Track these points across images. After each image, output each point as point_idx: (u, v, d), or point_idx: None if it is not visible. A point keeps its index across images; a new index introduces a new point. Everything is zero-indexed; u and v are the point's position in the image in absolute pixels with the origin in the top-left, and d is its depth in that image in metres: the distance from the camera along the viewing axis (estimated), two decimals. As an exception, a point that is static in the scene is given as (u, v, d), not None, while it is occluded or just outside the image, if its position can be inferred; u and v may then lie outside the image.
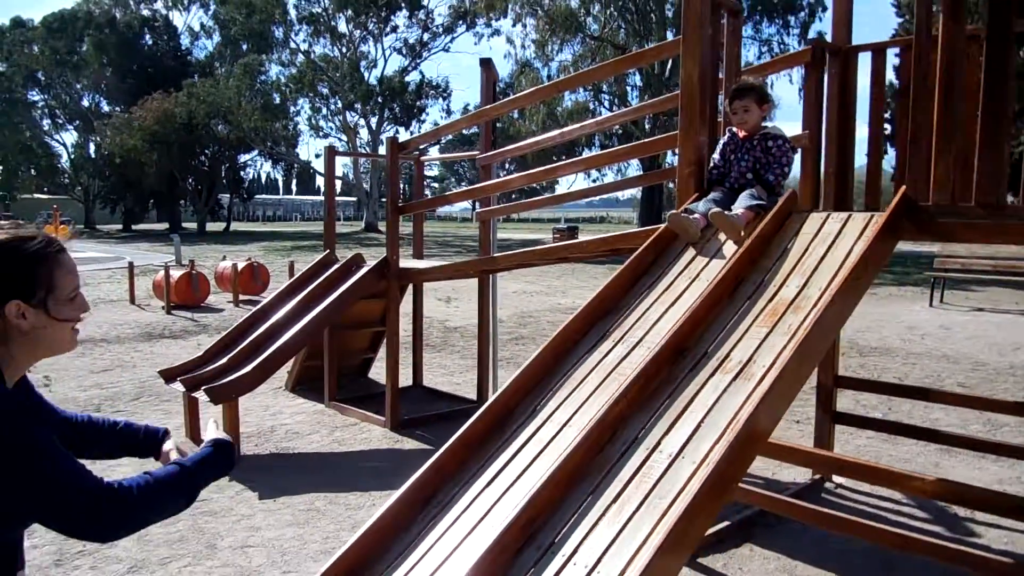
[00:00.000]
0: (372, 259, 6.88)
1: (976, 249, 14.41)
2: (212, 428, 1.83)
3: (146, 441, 1.88)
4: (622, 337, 3.23)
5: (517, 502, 2.48)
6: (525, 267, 7.74)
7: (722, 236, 3.65)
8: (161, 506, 1.58)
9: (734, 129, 3.82)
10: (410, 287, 7.65)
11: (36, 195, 57.85)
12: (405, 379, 7.65)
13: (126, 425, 1.88)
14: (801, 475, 5.34)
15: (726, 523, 4.53)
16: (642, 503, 2.39)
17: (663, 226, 3.86)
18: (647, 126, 31.05)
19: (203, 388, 5.49)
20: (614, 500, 2.44)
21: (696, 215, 3.68)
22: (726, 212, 3.47)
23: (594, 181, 32.80)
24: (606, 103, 36.03)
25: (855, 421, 5.52)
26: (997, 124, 3.02)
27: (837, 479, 5.26)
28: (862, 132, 4.81)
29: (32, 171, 53.22)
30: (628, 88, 35.93)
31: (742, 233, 3.43)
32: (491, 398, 3.07)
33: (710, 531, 4.41)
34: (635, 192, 44.47)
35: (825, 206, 4.53)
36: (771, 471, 5.46)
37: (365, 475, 5.30)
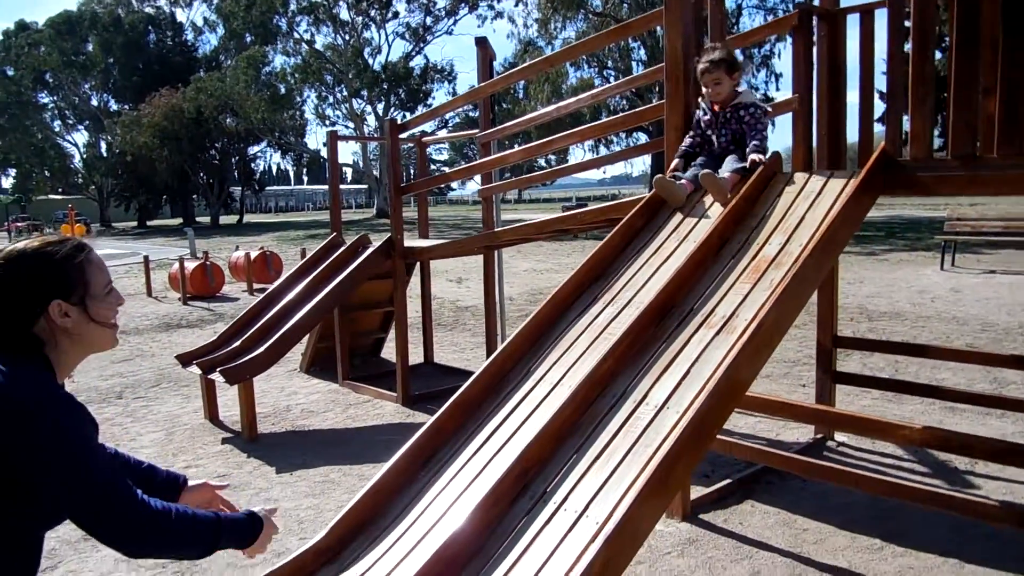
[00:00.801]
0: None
1: (986, 211, 14.33)
2: (259, 507, 1.90)
3: (164, 485, 1.94)
4: (612, 299, 3.35)
5: (512, 456, 2.62)
6: (527, 241, 7.84)
7: (708, 199, 3.75)
8: (182, 545, 1.66)
9: (706, 104, 3.86)
10: (419, 269, 7.79)
11: (51, 196, 58.45)
12: (416, 357, 7.82)
13: (148, 467, 1.95)
14: (804, 436, 5.45)
15: (727, 481, 4.66)
16: (628, 452, 2.52)
17: (653, 191, 3.96)
18: (654, 100, 30.90)
19: (219, 370, 5.66)
20: (602, 451, 2.56)
21: (683, 180, 3.78)
22: (718, 175, 3.60)
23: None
24: (611, 79, 35.86)
25: (856, 380, 5.61)
26: (969, 75, 3.09)
27: (839, 437, 5.36)
28: (855, 97, 4.86)
29: (46, 172, 53.77)
30: (633, 63, 35.76)
31: (728, 196, 3.53)
32: (486, 362, 3.20)
33: (711, 488, 4.55)
34: (646, 168, 44.30)
35: (818, 170, 4.60)
36: (775, 432, 5.57)
37: (378, 448, 5.46)
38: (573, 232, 6.48)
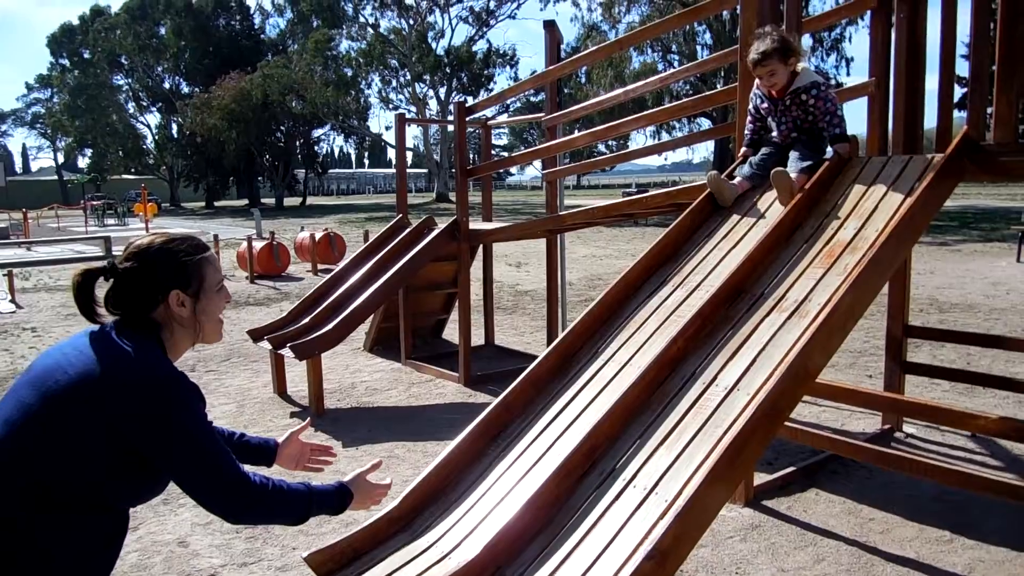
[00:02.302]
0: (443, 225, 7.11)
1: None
2: (353, 474, 2.09)
3: (258, 450, 2.12)
4: (681, 282, 3.35)
5: (581, 432, 2.66)
6: (590, 225, 7.84)
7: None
8: (277, 514, 1.81)
9: (761, 90, 3.67)
10: (481, 254, 7.86)
11: (124, 176, 60.45)
12: (478, 339, 7.92)
13: (240, 435, 2.11)
14: (870, 426, 5.35)
15: (790, 468, 4.62)
16: (698, 432, 2.53)
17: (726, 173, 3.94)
18: (719, 85, 30.37)
19: (288, 345, 5.84)
20: (672, 430, 2.59)
21: (736, 180, 3.67)
22: (791, 173, 3.44)
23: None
24: (675, 64, 35.33)
25: (926, 371, 5.47)
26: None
27: (907, 428, 5.25)
28: (930, 83, 4.71)
29: (120, 153, 55.64)
30: (698, 48, 35.14)
31: (795, 196, 3.38)
32: (555, 340, 3.25)
33: (775, 476, 4.52)
34: (708, 154, 43.60)
35: (896, 154, 4.49)
36: (840, 422, 5.48)
37: (441, 425, 5.58)
38: (637, 217, 6.46)
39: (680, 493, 2.31)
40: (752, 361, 2.73)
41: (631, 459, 2.55)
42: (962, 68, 5.73)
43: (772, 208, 3.57)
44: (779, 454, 4.87)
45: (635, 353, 3.04)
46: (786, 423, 4.20)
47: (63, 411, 1.58)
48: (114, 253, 19.45)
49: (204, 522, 4.11)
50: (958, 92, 6.01)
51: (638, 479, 2.46)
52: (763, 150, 3.72)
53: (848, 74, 34.87)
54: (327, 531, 3.85)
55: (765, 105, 3.66)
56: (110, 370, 1.60)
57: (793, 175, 3.43)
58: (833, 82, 33.75)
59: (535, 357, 3.10)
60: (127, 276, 1.72)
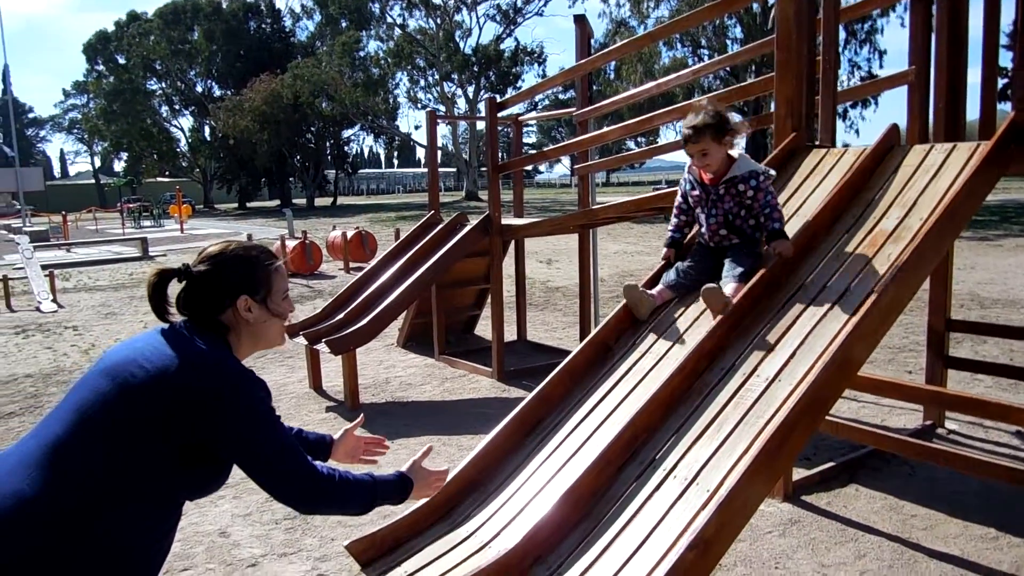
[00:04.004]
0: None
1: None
2: (410, 463, 2.11)
3: (315, 445, 2.17)
4: (719, 274, 3.32)
5: (620, 423, 2.65)
6: (623, 220, 7.80)
7: (818, 177, 3.66)
8: (344, 505, 1.87)
9: (693, 175, 3.22)
10: (512, 250, 7.86)
11: (159, 179, 61.41)
12: (510, 334, 7.92)
13: (298, 431, 2.16)
14: (911, 422, 5.26)
15: (830, 464, 4.55)
16: (739, 423, 2.51)
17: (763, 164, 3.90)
18: (750, 79, 30.03)
19: (324, 340, 5.89)
20: (712, 420, 2.56)
21: (656, 289, 3.22)
22: (720, 287, 2.96)
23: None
24: (705, 58, 35.03)
25: (969, 366, 5.37)
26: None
27: (949, 425, 5.15)
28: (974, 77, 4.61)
29: (155, 156, 56.50)
30: (728, 43, 34.80)
31: (731, 306, 2.90)
32: (592, 333, 3.23)
33: (814, 471, 4.46)
34: (740, 151, 43.09)
35: (939, 142, 4.41)
36: (880, 418, 5.40)
37: (475, 419, 5.59)
38: (669, 212, 6.40)
39: (721, 484, 2.29)
40: (793, 352, 2.70)
41: (671, 450, 2.53)
42: (1004, 59, 5.60)
43: (810, 200, 3.52)
44: (818, 450, 4.81)
45: (672, 345, 3.02)
46: (826, 417, 4.15)
47: (139, 403, 1.61)
48: (150, 253, 19.68)
49: (244, 513, 4.16)
50: (1000, 84, 5.87)
51: (678, 470, 2.45)
52: (691, 255, 3.26)
53: (881, 66, 34.26)
54: (365, 522, 3.87)
55: (696, 192, 3.20)
56: (185, 367, 1.64)
57: (729, 287, 2.98)
58: (866, 72, 33.22)
59: (567, 352, 3.09)
60: (200, 279, 1.79)
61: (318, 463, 1.82)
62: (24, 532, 1.49)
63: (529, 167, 12.09)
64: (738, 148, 3.15)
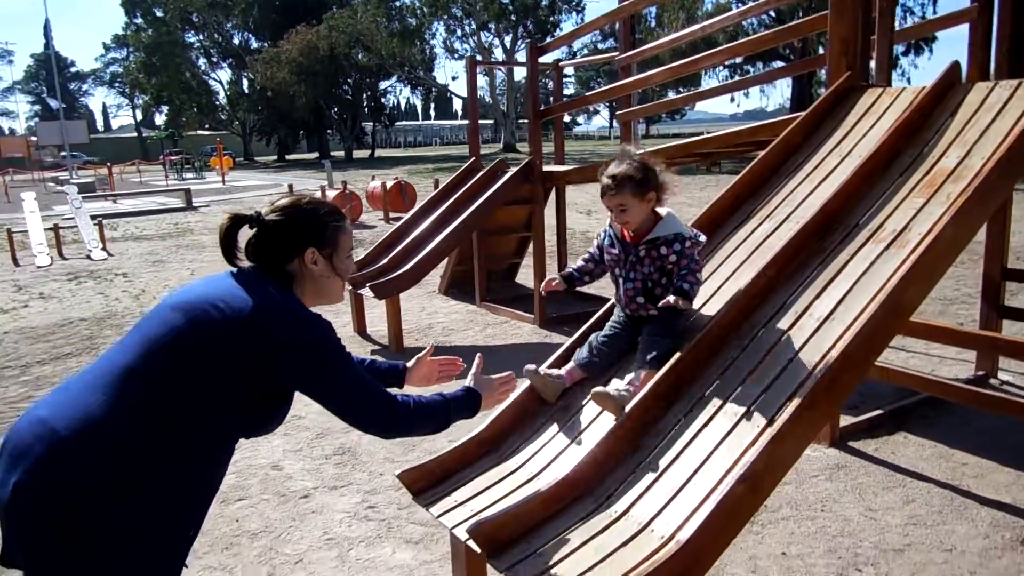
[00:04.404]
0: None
1: None
2: (470, 377, 2.26)
3: (388, 374, 2.26)
4: (769, 215, 3.27)
5: (668, 361, 2.64)
6: (668, 166, 7.68)
7: (874, 117, 3.56)
8: (421, 425, 2.00)
9: (614, 230, 2.80)
10: (553, 199, 7.79)
11: (200, 132, 61.95)
12: (550, 283, 7.91)
13: (371, 362, 2.24)
14: (962, 372, 5.17)
15: (878, 411, 4.52)
16: (791, 360, 2.49)
17: (811, 109, 3.80)
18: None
19: (368, 285, 5.95)
20: (763, 358, 2.55)
21: (565, 369, 2.79)
22: (610, 391, 2.51)
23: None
24: (749, 2, 33.98)
25: None
26: None
27: (1003, 376, 5.06)
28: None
29: (194, 109, 56.95)
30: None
31: (625, 410, 2.49)
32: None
33: (861, 418, 4.43)
34: (783, 101, 42.10)
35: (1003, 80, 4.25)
36: (930, 368, 5.32)
37: (517, 364, 5.55)
38: (716, 157, 6.28)
39: (773, 420, 2.28)
40: (847, 292, 2.66)
41: (720, 387, 2.53)
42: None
43: (864, 141, 3.43)
44: (864, 398, 4.76)
45: (721, 286, 2.99)
46: (875, 363, 4.11)
47: (213, 341, 1.66)
48: (194, 204, 19.98)
49: (295, 449, 4.28)
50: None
51: (728, 406, 2.44)
52: (608, 326, 2.85)
53: (935, 12, 32.86)
54: (412, 458, 3.95)
55: (615, 251, 2.75)
56: (260, 310, 1.70)
57: (631, 378, 2.57)
58: (919, 16, 31.97)
59: (609, 300, 3.08)
60: (271, 228, 1.84)
61: (393, 390, 1.91)
62: (89, 452, 1.54)
63: (567, 119, 11.90)
64: (667, 206, 2.69)
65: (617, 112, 6.40)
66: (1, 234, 14.80)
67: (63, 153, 38.14)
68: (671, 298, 2.52)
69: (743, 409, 2.39)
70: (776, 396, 2.38)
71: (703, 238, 2.69)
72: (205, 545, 3.37)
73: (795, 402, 2.25)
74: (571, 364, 2.78)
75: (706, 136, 5.34)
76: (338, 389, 1.81)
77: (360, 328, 6.72)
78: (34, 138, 41.29)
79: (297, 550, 3.32)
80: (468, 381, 2.15)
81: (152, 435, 1.60)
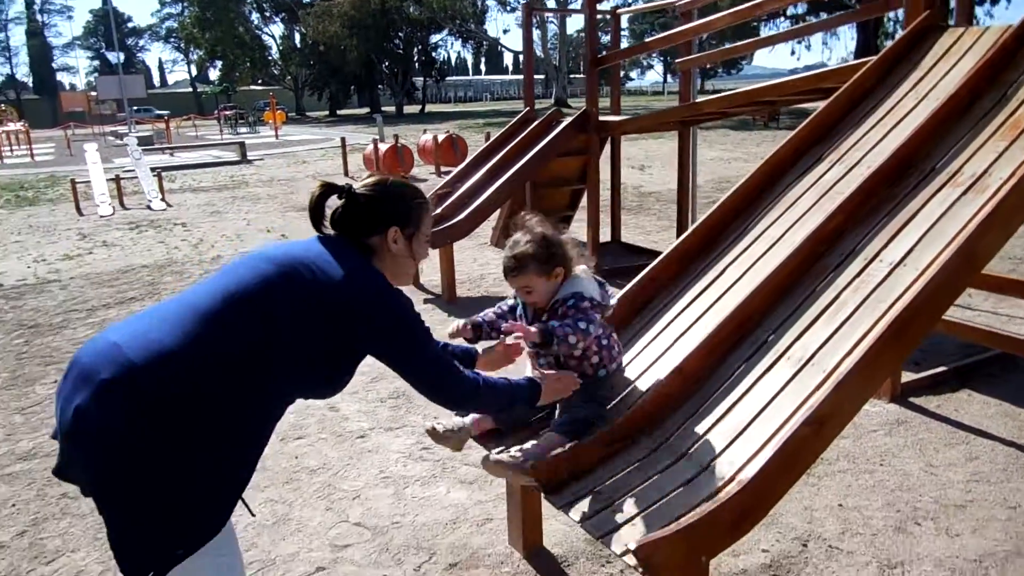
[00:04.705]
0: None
1: None
2: (529, 370, 2.32)
3: (462, 358, 2.30)
4: (839, 159, 3.16)
5: (731, 306, 2.60)
6: (727, 115, 7.51)
7: (954, 58, 3.39)
8: (486, 405, 2.17)
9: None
10: (608, 152, 7.67)
11: (253, 87, 62.48)
12: (604, 236, 7.84)
13: (444, 345, 2.29)
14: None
15: (941, 368, 4.39)
16: (859, 306, 2.42)
17: (885, 51, 3.64)
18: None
19: (422, 234, 5.96)
20: (830, 304, 2.48)
21: (467, 420, 2.44)
22: (504, 458, 2.22)
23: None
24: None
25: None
26: None
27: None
28: None
29: (247, 64, 57.38)
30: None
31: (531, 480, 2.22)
32: (701, 218, 3.15)
33: (923, 374, 4.31)
34: (847, 55, 40.53)
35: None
36: (998, 325, 5.13)
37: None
38: (780, 104, 6.08)
39: (839, 365, 2.23)
40: (920, 237, 2.56)
41: (784, 332, 2.47)
42: None
43: (943, 83, 3.27)
44: (926, 355, 4.63)
45: (788, 230, 2.91)
46: (943, 317, 3.98)
47: (300, 299, 1.70)
48: (248, 157, 20.20)
49: (351, 391, 4.34)
50: None
51: (792, 352, 2.39)
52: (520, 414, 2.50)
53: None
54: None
55: (522, 321, 2.44)
56: (350, 279, 1.74)
57: (542, 440, 2.30)
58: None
59: (661, 253, 3.02)
60: (360, 201, 1.88)
61: (467, 371, 2.00)
62: (157, 384, 1.56)
63: (629, 60, 11.57)
64: (580, 266, 2.39)
65: (677, 60, 6.22)
66: (66, 185, 15.23)
67: (134, 108, 38.91)
68: (529, 326, 2.25)
69: (808, 355, 2.34)
70: (842, 343, 2.32)
71: (612, 301, 2.37)
72: (266, 479, 3.47)
73: (862, 349, 2.19)
74: (466, 423, 2.43)
75: (770, 83, 5.17)
76: (416, 363, 1.88)
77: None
78: (94, 93, 42.18)
79: (354, 487, 3.39)
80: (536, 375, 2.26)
81: (220, 379, 1.62)
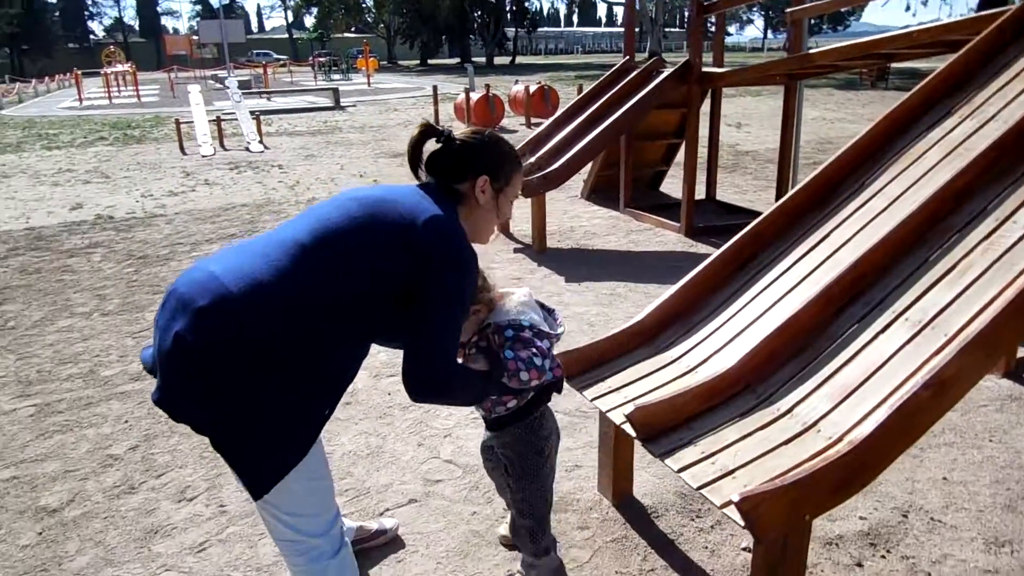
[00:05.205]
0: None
1: None
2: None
3: None
4: (971, 112, 2.96)
5: (844, 262, 2.48)
6: (840, 69, 7.14)
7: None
8: (462, 395, 1.89)
9: None
10: (708, 107, 7.41)
11: (346, 34, 63.09)
12: (699, 193, 7.65)
13: None
14: None
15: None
16: (988, 269, 2.27)
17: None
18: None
19: (515, 182, 5.93)
20: (955, 265, 2.34)
21: None
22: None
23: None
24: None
25: None
26: None
27: None
28: None
29: (342, 11, 57.88)
30: None
31: None
32: (814, 172, 3.01)
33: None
34: (967, 11, 37.79)
35: None
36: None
37: (661, 270, 5.53)
38: (901, 58, 5.69)
39: (965, 328, 2.11)
40: (1060, 198, 2.38)
41: (902, 292, 2.35)
42: None
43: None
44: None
45: (910, 187, 2.75)
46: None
47: (383, 236, 1.69)
48: (341, 104, 20.55)
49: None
50: None
51: (910, 313, 2.27)
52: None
53: None
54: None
55: None
56: (433, 224, 1.72)
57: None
58: None
59: (759, 214, 2.90)
60: (457, 146, 1.88)
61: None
62: (253, 313, 1.59)
63: (738, 7, 11.03)
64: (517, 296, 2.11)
65: (789, 9, 5.91)
66: (170, 125, 15.83)
67: (254, 52, 39.73)
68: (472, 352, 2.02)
69: (927, 317, 2.22)
70: (967, 306, 2.19)
71: (560, 330, 2.13)
72: (360, 413, 3.57)
73: (991, 314, 2.06)
74: None
75: (889, 35, 4.86)
76: (439, 321, 1.71)
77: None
78: (195, 37, 43.43)
79: (445, 425, 3.45)
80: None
81: (310, 313, 1.64)
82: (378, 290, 1.71)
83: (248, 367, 1.59)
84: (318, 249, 1.67)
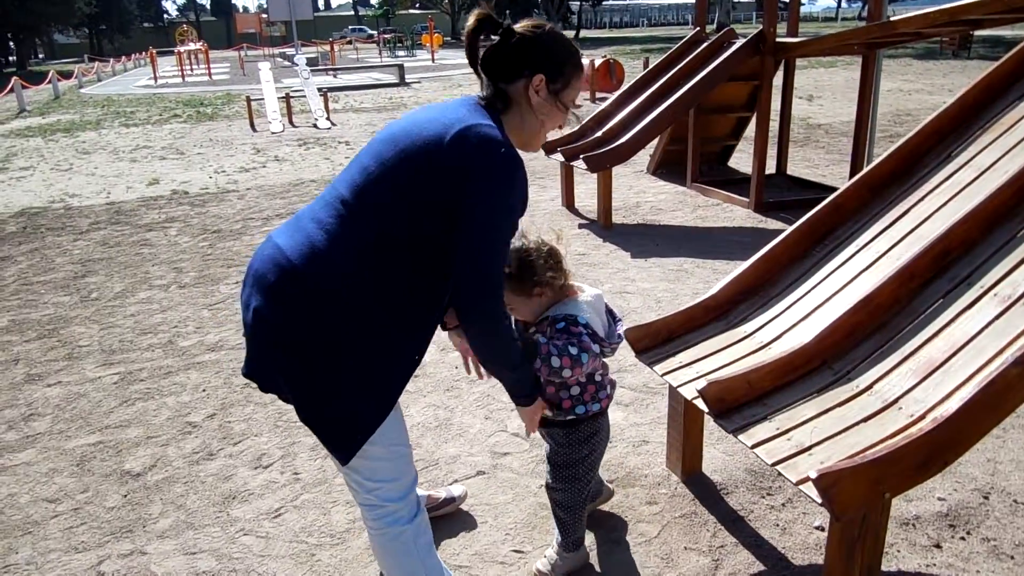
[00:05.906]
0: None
1: None
2: None
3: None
4: (1071, 79, 2.80)
5: (928, 236, 2.39)
6: (923, 37, 6.83)
7: None
8: (500, 351, 1.78)
9: None
10: (780, 80, 7.18)
11: (411, 11, 63.35)
12: (769, 168, 7.45)
13: None
14: None
15: None
16: (1086, 243, 2.16)
17: None
18: None
19: (581, 156, 5.89)
20: (1049, 240, 2.23)
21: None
22: (541, 568, 2.29)
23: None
24: None
25: None
26: None
27: None
28: None
29: (407, -13, 58.19)
30: None
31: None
32: (897, 143, 2.90)
33: None
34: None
35: None
36: None
37: (730, 247, 5.42)
38: (988, 25, 5.42)
39: (1059, 305, 2.01)
40: None
41: (991, 267, 2.25)
42: None
43: None
44: None
45: (1001, 157, 2.63)
46: None
47: (411, 169, 1.63)
48: (406, 80, 20.63)
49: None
50: None
51: (1000, 288, 2.18)
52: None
53: None
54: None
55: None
56: (461, 132, 1.61)
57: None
58: None
59: (833, 189, 2.80)
60: (515, 39, 1.72)
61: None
62: (316, 278, 1.62)
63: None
64: (578, 287, 2.10)
65: (867, -25, 5.67)
66: (240, 102, 16.18)
67: (350, 27, 40.03)
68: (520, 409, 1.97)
69: (1017, 293, 2.13)
70: (1063, 281, 2.09)
71: (619, 337, 2.10)
72: (429, 386, 3.62)
73: (1090, 288, 1.96)
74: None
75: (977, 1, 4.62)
76: (482, 229, 1.62)
77: (568, 202, 6.73)
78: (265, 15, 44.15)
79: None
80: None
81: (369, 266, 1.64)
82: (432, 227, 1.64)
83: (325, 332, 1.63)
84: (360, 203, 1.67)
